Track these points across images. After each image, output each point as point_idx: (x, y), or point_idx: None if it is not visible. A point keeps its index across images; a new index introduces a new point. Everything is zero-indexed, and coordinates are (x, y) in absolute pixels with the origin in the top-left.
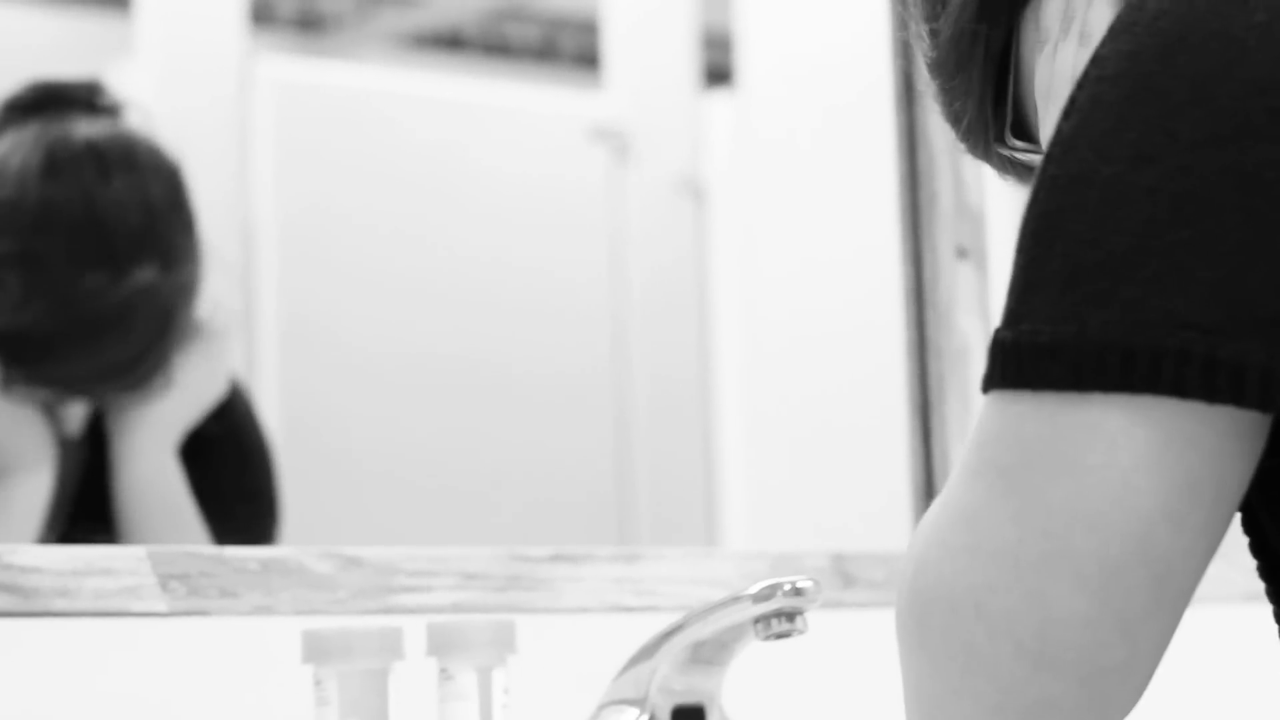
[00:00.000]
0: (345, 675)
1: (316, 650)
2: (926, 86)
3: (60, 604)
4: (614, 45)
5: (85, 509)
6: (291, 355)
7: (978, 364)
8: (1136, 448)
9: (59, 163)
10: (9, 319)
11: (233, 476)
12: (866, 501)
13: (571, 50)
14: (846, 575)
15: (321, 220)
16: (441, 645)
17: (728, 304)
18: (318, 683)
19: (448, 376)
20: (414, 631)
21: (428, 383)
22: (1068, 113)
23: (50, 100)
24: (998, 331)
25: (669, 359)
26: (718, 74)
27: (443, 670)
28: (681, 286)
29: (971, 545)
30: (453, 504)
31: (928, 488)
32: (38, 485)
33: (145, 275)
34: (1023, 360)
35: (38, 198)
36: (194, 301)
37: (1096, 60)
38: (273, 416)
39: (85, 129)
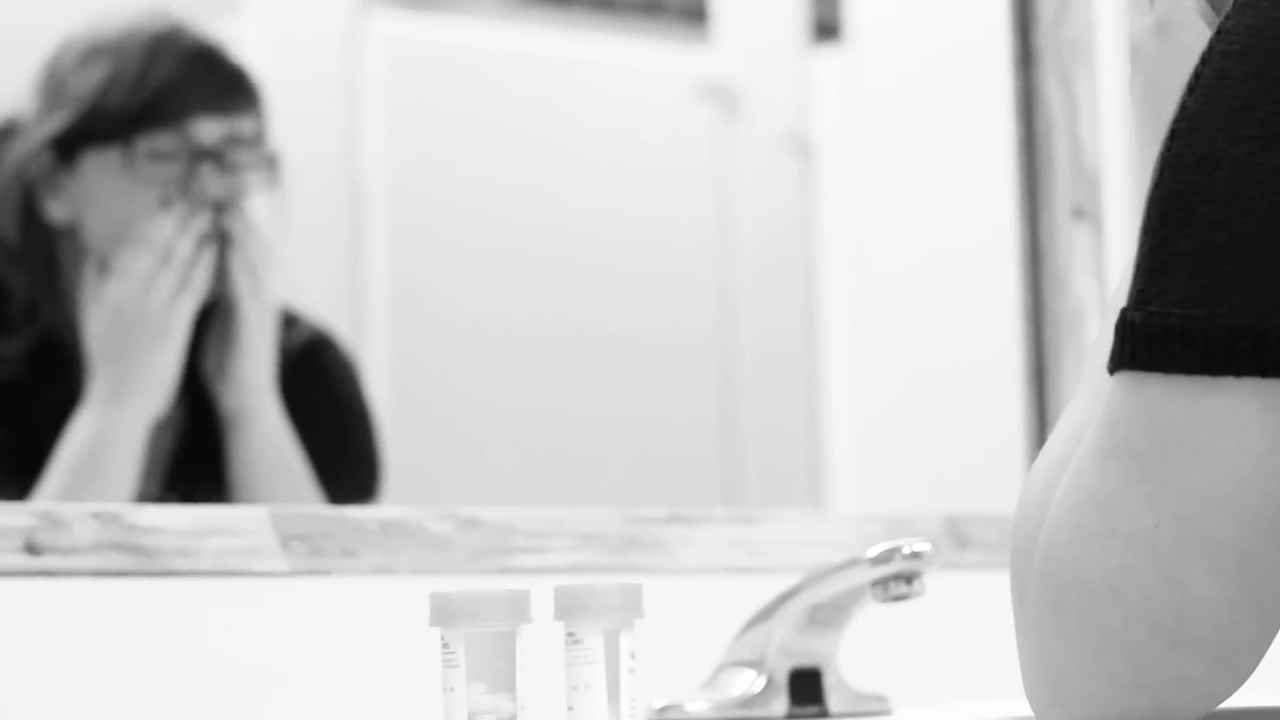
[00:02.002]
0: (472, 638)
1: (444, 613)
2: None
3: (182, 564)
4: (721, 0)
5: (186, 467)
6: (401, 316)
7: (1093, 326)
8: (1270, 432)
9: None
10: None
11: (329, 436)
12: (979, 463)
13: (678, 5)
14: (960, 537)
15: (429, 179)
16: (569, 608)
17: (835, 261)
18: (445, 645)
19: (554, 336)
20: (541, 594)
21: (533, 341)
22: (1192, 88)
23: None
24: (1125, 311)
25: (776, 317)
26: (826, 28)
27: (570, 634)
28: (788, 244)
29: (1106, 530)
30: (558, 464)
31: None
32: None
33: None
34: (1153, 343)
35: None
36: None
37: (1222, 34)
38: (382, 378)
39: None
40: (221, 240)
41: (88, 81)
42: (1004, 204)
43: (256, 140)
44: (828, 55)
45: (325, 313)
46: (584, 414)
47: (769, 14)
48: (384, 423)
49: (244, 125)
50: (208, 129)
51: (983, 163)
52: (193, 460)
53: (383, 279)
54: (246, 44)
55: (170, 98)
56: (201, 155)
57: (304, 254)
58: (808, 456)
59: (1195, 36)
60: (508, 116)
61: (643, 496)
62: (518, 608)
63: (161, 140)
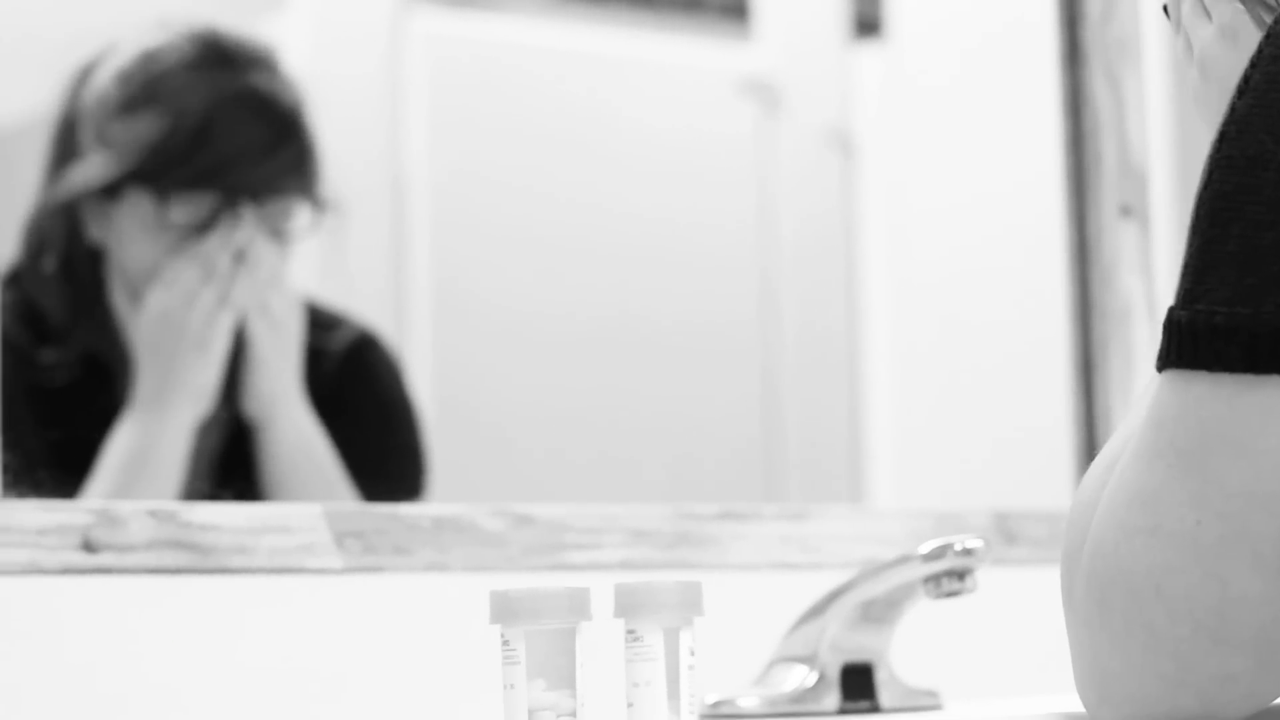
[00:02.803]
0: (533, 635)
1: (505, 610)
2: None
3: (237, 561)
4: None
5: (240, 465)
6: (444, 314)
7: (1140, 323)
8: None
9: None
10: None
11: (376, 434)
12: (1025, 459)
13: (719, 2)
14: (1009, 533)
15: (471, 177)
16: (629, 606)
17: (876, 257)
18: (505, 642)
19: (595, 332)
20: (601, 592)
21: (574, 338)
22: (1242, 90)
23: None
24: (1172, 310)
25: (817, 312)
26: (867, 24)
27: (630, 631)
28: (830, 239)
29: (1150, 527)
30: (600, 460)
31: (1089, 446)
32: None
33: None
34: (1199, 341)
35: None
36: None
37: (1271, 38)
38: (426, 376)
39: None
40: (236, 255)
41: (140, 131)
42: (1051, 201)
43: (306, 189)
44: (869, 51)
45: (369, 310)
46: (626, 410)
47: (810, 10)
48: (428, 421)
49: (294, 181)
50: (255, 180)
51: (1028, 159)
52: (247, 459)
53: (426, 276)
54: (290, 42)
55: (227, 167)
56: (242, 197)
57: (348, 253)
58: (848, 452)
59: (1255, 40)
60: (550, 114)
61: (685, 492)
62: (577, 605)
63: (204, 195)
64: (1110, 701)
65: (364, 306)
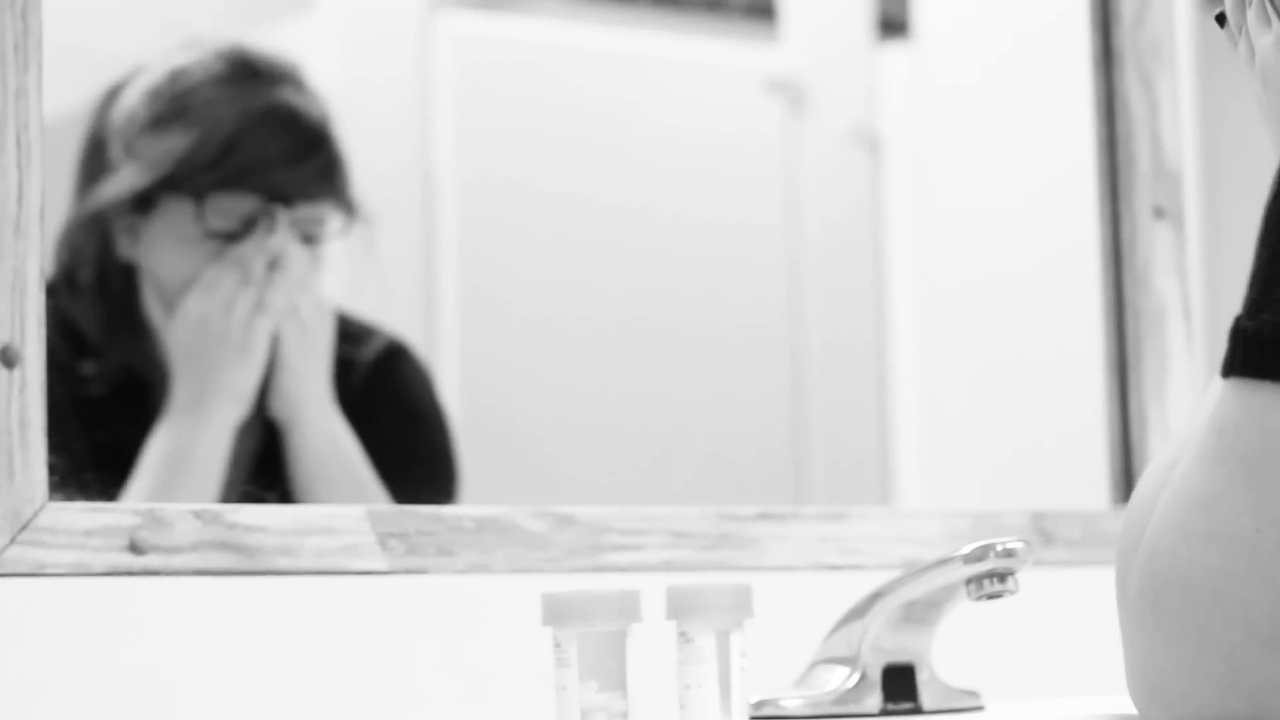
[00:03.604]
0: (584, 637)
1: (557, 613)
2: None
3: (283, 563)
4: None
5: (266, 470)
6: (472, 317)
7: (1175, 324)
8: None
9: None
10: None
11: (406, 438)
12: (1059, 461)
13: (745, 3)
14: (1045, 533)
15: (498, 179)
16: (681, 608)
17: (903, 257)
18: (557, 644)
19: (621, 333)
20: (652, 594)
21: (599, 339)
22: None
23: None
24: (1239, 320)
25: (845, 312)
26: (893, 25)
27: (682, 633)
28: (857, 239)
29: (1209, 532)
30: (629, 463)
31: (1124, 448)
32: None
33: None
34: (1264, 351)
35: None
36: None
37: None
38: (454, 381)
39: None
40: (270, 262)
41: (169, 145)
42: (1083, 202)
43: (336, 195)
44: (895, 51)
45: (399, 317)
46: (654, 413)
47: (836, 10)
48: (457, 426)
49: (324, 188)
50: (285, 185)
51: (1058, 160)
52: (283, 461)
53: (454, 281)
54: (319, 43)
55: (254, 174)
56: (275, 203)
57: (379, 260)
58: (876, 452)
59: None
60: (576, 115)
61: (714, 495)
62: (628, 607)
63: (238, 202)
64: (1160, 701)
65: (394, 313)
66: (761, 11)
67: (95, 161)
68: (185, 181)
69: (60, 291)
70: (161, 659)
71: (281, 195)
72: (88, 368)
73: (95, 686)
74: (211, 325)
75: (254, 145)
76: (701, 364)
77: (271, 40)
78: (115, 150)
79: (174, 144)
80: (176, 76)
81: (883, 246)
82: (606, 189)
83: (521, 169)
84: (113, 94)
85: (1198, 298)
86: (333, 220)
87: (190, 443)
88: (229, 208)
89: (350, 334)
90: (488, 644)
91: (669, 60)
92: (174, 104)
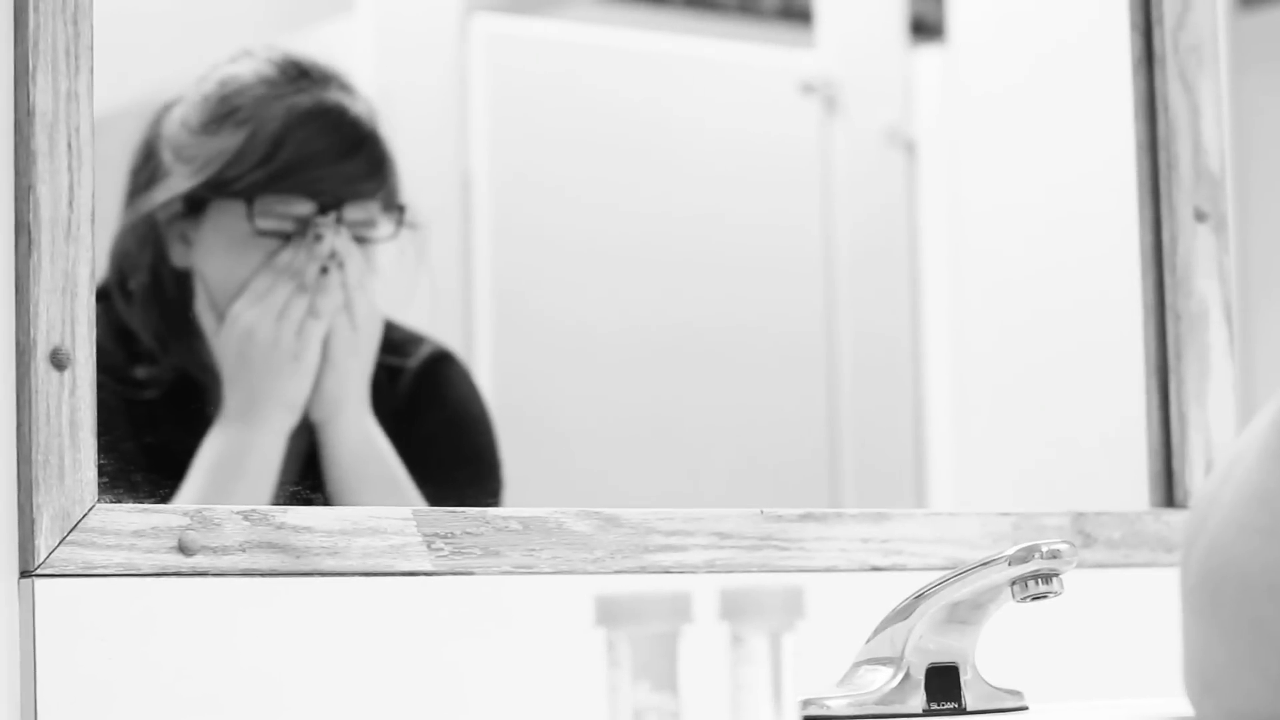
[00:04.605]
0: (637, 638)
1: (609, 614)
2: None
3: (330, 563)
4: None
5: (314, 471)
6: (508, 323)
7: (1216, 326)
8: None
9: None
10: None
11: (451, 440)
12: (1098, 463)
13: (780, 5)
14: (1086, 534)
15: (533, 179)
16: (734, 610)
17: (939, 259)
18: (610, 646)
19: (657, 337)
20: (704, 595)
21: (636, 343)
22: None
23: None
24: None
25: (880, 313)
26: (928, 27)
27: (735, 635)
28: (892, 239)
29: (1268, 526)
30: (665, 467)
31: (1165, 450)
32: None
33: None
34: None
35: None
36: None
37: None
38: (490, 386)
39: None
40: (323, 264)
41: (219, 145)
42: (1124, 204)
43: (386, 196)
44: (929, 53)
45: (438, 322)
46: (689, 417)
47: (870, 13)
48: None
49: (373, 186)
50: (334, 183)
51: (1097, 163)
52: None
53: (490, 287)
54: (357, 44)
55: (302, 170)
56: (325, 203)
57: (423, 267)
58: (911, 454)
59: None
60: (611, 117)
61: (750, 498)
62: (680, 608)
63: (288, 203)
64: (1213, 693)
65: (433, 318)
66: (796, 14)
67: (146, 170)
68: (235, 181)
69: (114, 296)
70: (209, 659)
71: (331, 194)
72: (141, 372)
73: (143, 685)
74: (262, 334)
75: (302, 142)
76: (736, 366)
77: (309, 44)
78: (166, 156)
79: (223, 144)
80: (226, 82)
81: (917, 248)
82: (641, 191)
83: (556, 172)
84: (166, 108)
85: (1238, 300)
86: (384, 225)
87: (242, 449)
88: (279, 208)
89: (398, 343)
90: (533, 645)
91: (704, 63)
92: (223, 105)
